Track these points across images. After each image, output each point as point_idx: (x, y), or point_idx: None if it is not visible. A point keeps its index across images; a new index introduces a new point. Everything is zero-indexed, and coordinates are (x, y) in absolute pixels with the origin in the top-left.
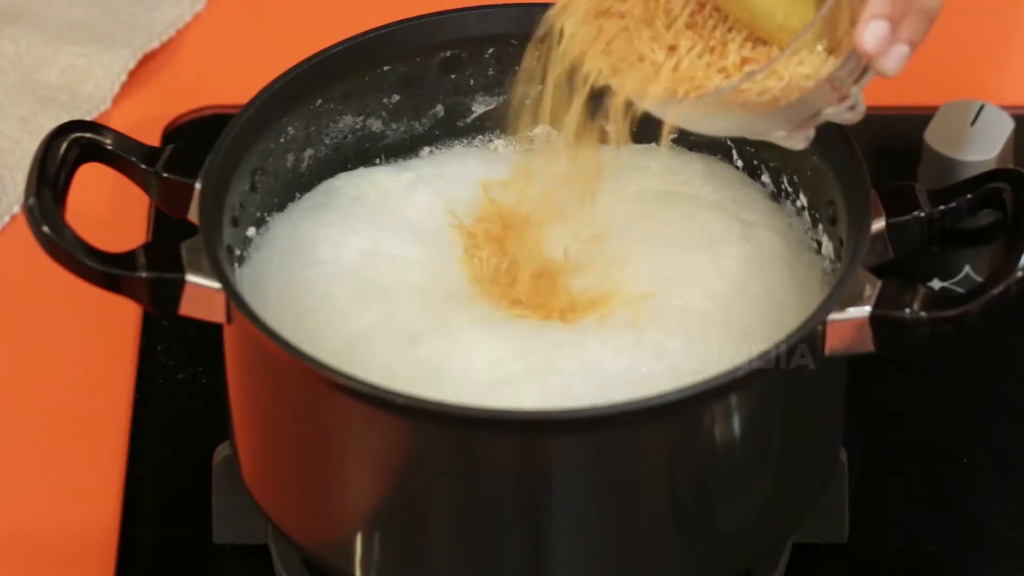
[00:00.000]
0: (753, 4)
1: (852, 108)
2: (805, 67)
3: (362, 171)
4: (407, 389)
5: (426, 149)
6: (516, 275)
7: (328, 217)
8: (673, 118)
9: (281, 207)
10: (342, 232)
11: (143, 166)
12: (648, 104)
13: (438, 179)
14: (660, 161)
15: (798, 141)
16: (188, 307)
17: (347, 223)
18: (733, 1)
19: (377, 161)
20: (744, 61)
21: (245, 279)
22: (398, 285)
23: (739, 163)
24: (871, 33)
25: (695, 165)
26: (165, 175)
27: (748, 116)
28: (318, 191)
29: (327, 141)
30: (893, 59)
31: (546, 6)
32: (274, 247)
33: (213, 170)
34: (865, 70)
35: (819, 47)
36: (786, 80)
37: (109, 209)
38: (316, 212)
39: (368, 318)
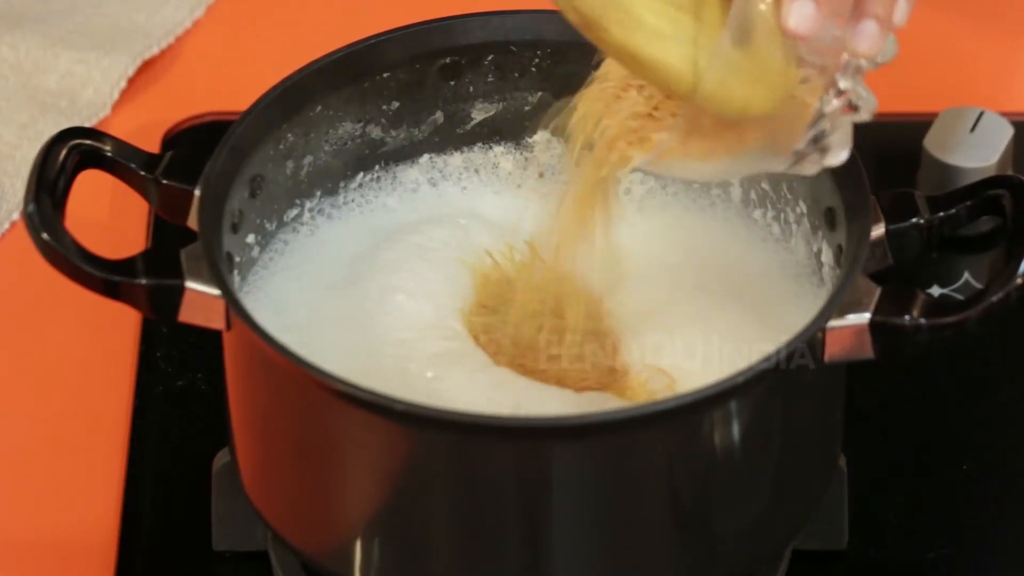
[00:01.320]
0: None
1: (856, 106)
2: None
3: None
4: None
5: (425, 156)
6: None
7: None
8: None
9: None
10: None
11: (142, 173)
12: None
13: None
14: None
15: (828, 158)
16: (187, 314)
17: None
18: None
19: (377, 167)
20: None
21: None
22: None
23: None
24: (795, 14)
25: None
26: (164, 182)
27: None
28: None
29: (326, 148)
30: (863, 38)
31: (545, 12)
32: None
33: (212, 177)
34: (847, 63)
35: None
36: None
37: (108, 216)
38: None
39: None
